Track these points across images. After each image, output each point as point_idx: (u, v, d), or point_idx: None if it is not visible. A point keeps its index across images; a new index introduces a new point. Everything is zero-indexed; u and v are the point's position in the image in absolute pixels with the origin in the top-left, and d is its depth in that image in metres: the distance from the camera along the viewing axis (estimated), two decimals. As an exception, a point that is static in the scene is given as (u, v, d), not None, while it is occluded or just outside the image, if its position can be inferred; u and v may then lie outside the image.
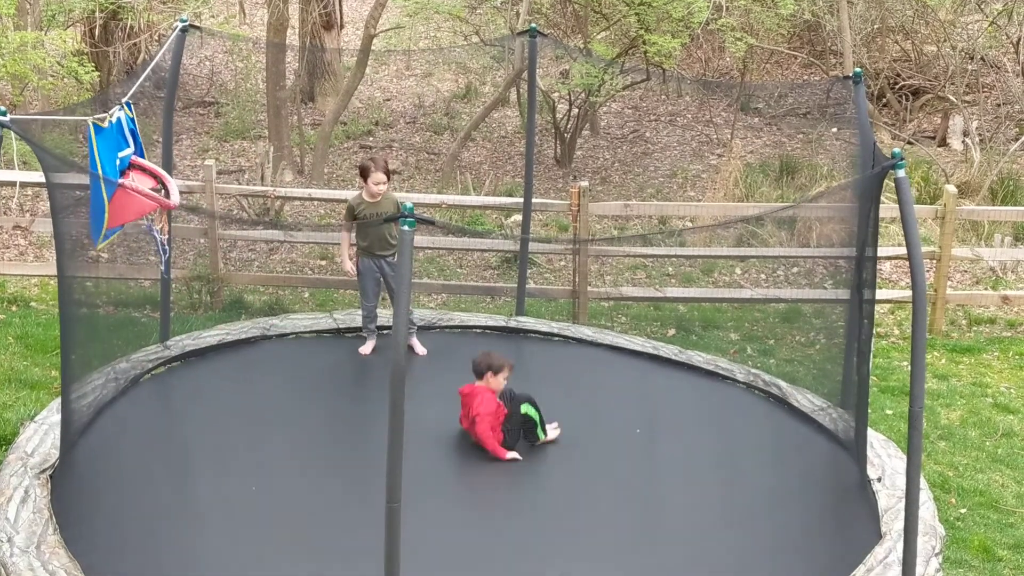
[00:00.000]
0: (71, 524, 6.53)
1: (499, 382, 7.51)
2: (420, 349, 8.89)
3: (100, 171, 6.99)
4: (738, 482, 7.37)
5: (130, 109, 7.47)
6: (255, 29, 18.80)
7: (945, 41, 15.97)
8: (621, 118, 16.90)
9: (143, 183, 7.34)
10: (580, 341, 9.46)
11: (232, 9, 18.97)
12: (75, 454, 7.23)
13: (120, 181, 7.12)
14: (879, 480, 7.30)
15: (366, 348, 8.94)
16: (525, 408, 7.54)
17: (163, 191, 7.49)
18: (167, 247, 7.87)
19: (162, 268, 8.51)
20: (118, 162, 7.27)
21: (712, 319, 10.69)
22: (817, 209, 10.85)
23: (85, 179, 7.12)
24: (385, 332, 8.81)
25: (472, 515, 6.95)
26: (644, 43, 13.11)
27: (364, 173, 8.60)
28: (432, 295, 11.11)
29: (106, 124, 7.11)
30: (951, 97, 15.40)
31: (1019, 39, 15.19)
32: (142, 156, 7.58)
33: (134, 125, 7.50)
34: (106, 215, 7.07)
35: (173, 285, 9.65)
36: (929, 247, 10.52)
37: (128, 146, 7.41)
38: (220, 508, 6.93)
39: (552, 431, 7.66)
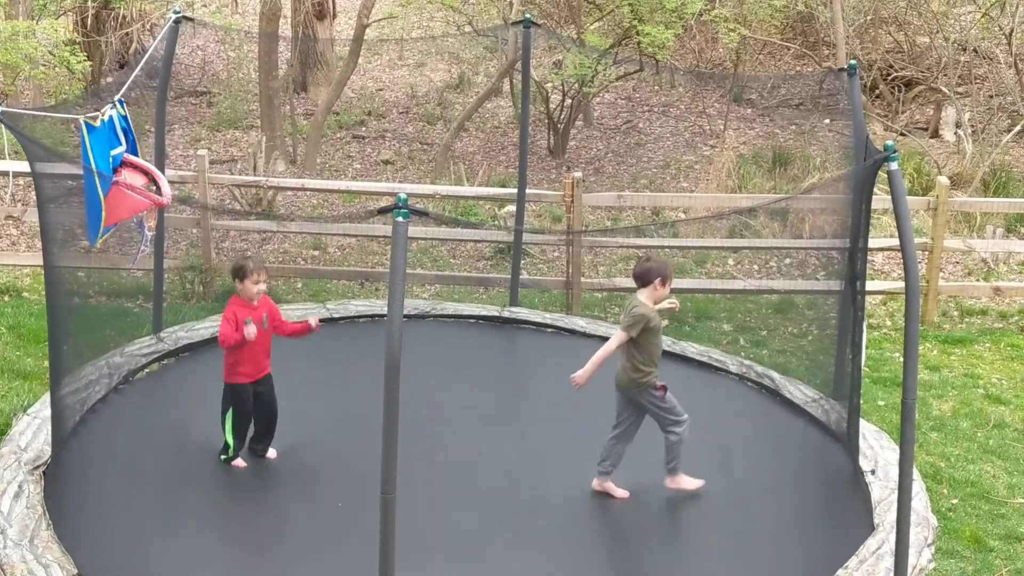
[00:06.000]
0: (64, 519, 6.52)
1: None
2: None
3: (95, 169, 6.95)
4: (730, 473, 7.38)
5: (122, 107, 7.43)
6: (247, 19, 18.72)
7: (938, 32, 15.98)
8: (614, 109, 16.89)
9: (135, 180, 7.31)
10: (573, 332, 9.47)
11: (224, -2, 18.91)
12: (68, 449, 7.22)
13: (115, 179, 7.09)
14: (872, 472, 7.32)
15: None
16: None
17: (154, 188, 7.47)
18: (148, 243, 7.84)
19: (142, 252, 8.40)
20: (111, 160, 7.24)
21: (705, 310, 10.69)
22: (810, 200, 10.85)
23: (73, 169, 7.09)
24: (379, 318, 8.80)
25: (468, 505, 6.95)
26: (637, 33, 13.10)
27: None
28: (425, 285, 11.10)
29: (98, 123, 7.07)
30: (944, 88, 15.41)
31: (1011, 30, 15.18)
32: (135, 153, 7.54)
33: (126, 123, 7.45)
34: (103, 213, 7.04)
35: (166, 275, 9.64)
36: (921, 238, 10.54)
37: (120, 144, 7.37)
38: (213, 503, 6.93)
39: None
